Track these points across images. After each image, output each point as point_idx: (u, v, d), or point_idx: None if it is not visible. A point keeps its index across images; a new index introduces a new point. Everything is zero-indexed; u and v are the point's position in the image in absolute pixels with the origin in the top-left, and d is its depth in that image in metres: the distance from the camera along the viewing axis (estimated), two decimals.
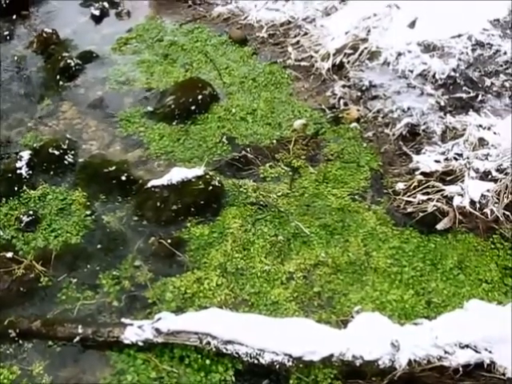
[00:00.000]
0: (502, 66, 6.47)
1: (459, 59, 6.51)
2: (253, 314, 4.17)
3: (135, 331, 3.97)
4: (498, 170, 5.23)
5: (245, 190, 5.24)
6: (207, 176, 5.12)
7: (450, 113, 5.99)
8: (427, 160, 5.46)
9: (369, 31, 6.96)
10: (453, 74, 6.38)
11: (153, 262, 4.68)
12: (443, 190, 5.13)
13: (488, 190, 5.08)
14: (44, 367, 3.97)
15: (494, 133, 5.61)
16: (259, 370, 3.88)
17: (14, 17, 8.07)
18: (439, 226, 4.93)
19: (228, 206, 5.12)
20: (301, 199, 5.22)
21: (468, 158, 5.40)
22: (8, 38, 7.67)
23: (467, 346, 3.85)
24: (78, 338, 4.03)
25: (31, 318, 4.17)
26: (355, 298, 4.39)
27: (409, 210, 5.06)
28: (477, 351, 3.85)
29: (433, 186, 5.17)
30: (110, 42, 7.52)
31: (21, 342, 4.10)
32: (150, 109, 6.29)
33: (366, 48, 6.79)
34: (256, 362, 3.85)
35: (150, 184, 5.11)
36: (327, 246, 4.79)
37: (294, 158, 5.63)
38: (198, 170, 5.15)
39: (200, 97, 6.23)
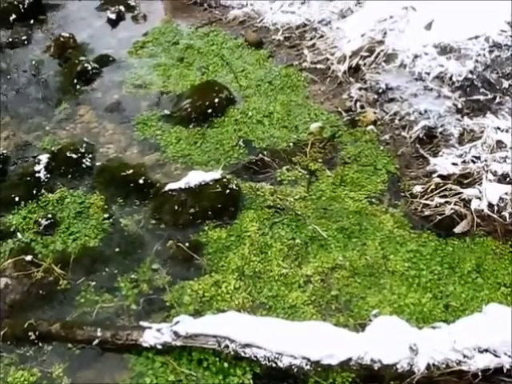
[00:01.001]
0: None
1: (476, 61, 6.46)
2: (271, 318, 4.18)
3: (154, 334, 3.98)
4: None
5: (262, 194, 5.25)
6: (224, 179, 5.13)
7: (468, 115, 5.95)
8: (444, 163, 5.44)
9: (385, 33, 6.94)
10: (470, 76, 6.33)
11: (171, 266, 4.70)
12: (461, 192, 5.11)
13: (506, 193, 5.05)
14: (63, 369, 4.00)
15: None
16: (277, 374, 3.88)
17: (32, 21, 8.16)
18: (457, 230, 4.91)
19: (245, 209, 5.12)
20: (318, 202, 5.22)
21: (486, 160, 5.37)
22: (26, 42, 7.76)
23: (486, 351, 3.82)
24: (96, 341, 4.05)
25: (50, 321, 4.20)
26: (373, 302, 4.38)
27: (426, 213, 5.04)
28: (496, 355, 3.81)
29: (450, 189, 5.15)
30: (126, 45, 7.57)
31: (40, 344, 4.13)
32: (166, 112, 6.32)
33: (382, 50, 6.77)
34: (274, 365, 3.84)
35: (167, 187, 5.13)
36: (344, 250, 4.79)
37: (310, 161, 5.63)
38: (215, 174, 5.16)
39: (216, 100, 6.25)
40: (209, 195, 5.02)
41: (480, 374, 3.79)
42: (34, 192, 5.31)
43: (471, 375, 3.80)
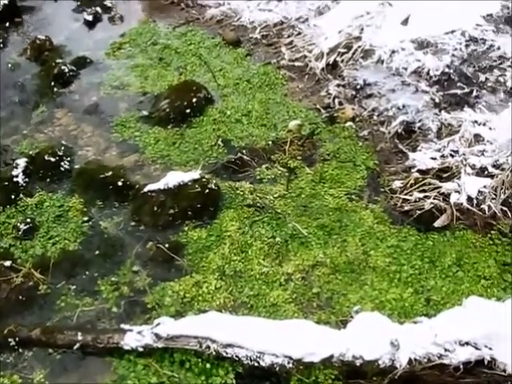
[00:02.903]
0: (495, 61, 6.47)
1: (453, 55, 6.51)
2: (252, 317, 4.17)
3: (135, 337, 3.96)
4: (494, 166, 5.24)
5: (241, 193, 5.23)
6: (203, 179, 5.12)
7: (445, 109, 5.98)
8: (423, 157, 5.46)
9: (362, 29, 6.96)
10: (447, 70, 6.37)
11: (151, 267, 4.68)
12: (440, 187, 5.13)
13: (485, 186, 5.08)
14: (45, 375, 3.97)
15: (490, 128, 5.62)
16: (260, 373, 3.87)
17: (7, 24, 8.05)
18: (437, 224, 4.92)
19: (225, 208, 5.11)
20: (298, 200, 5.21)
21: (464, 154, 5.40)
22: (1, 45, 7.66)
23: (467, 344, 3.84)
24: (78, 345, 4.03)
25: (31, 327, 4.16)
26: (354, 298, 4.39)
27: (406, 208, 5.05)
28: (477, 348, 3.84)
29: (429, 184, 5.16)
30: (103, 47, 7.51)
31: (21, 350, 4.10)
32: (144, 113, 6.29)
33: (359, 46, 6.79)
34: (256, 364, 3.84)
35: (146, 188, 5.10)
36: (325, 247, 4.79)
37: (290, 158, 5.62)
38: (195, 174, 5.14)
39: (195, 100, 6.22)
40: (188, 195, 5.00)
41: (461, 366, 3.81)
42: (13, 197, 5.26)
43: (453, 368, 3.82)
